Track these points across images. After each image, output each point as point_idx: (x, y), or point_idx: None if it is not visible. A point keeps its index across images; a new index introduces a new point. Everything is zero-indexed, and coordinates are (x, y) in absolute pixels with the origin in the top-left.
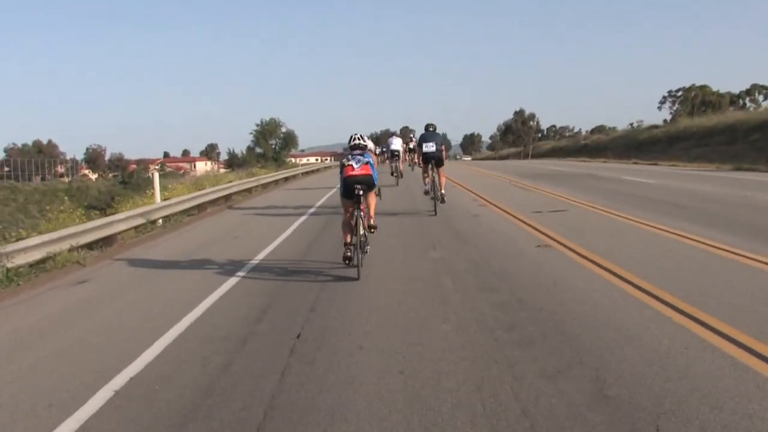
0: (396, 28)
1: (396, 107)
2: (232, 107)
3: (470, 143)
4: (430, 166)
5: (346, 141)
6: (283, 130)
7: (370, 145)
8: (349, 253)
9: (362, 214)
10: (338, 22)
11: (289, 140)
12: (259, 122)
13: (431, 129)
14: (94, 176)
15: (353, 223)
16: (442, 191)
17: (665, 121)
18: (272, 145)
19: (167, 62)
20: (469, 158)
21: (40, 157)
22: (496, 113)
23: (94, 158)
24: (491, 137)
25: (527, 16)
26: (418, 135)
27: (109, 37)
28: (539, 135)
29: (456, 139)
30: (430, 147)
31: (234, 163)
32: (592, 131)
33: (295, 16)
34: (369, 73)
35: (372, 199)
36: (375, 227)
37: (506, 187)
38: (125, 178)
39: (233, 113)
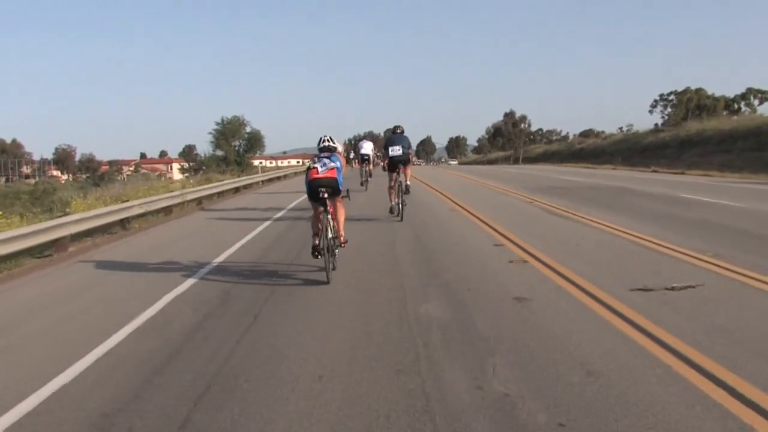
0: (381, 29)
1: (379, 109)
2: (213, 107)
3: (455, 146)
4: (397, 172)
5: (342, 142)
6: (248, 130)
7: (339, 147)
8: (317, 242)
9: (330, 217)
10: (323, 21)
11: (254, 141)
12: (219, 121)
13: (399, 131)
14: (64, 177)
15: (323, 223)
16: (408, 182)
17: (656, 125)
18: (235, 147)
19: (145, 59)
20: (455, 162)
21: (3, 157)
22: (480, 116)
23: (63, 159)
24: (479, 140)
25: (509, 18)
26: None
27: (82, 30)
28: (530, 138)
29: (441, 142)
30: (396, 150)
31: (192, 167)
32: (581, 135)
33: (282, 12)
34: (353, 76)
35: (341, 209)
36: (345, 241)
37: (528, 211)
38: (96, 180)
39: (214, 113)
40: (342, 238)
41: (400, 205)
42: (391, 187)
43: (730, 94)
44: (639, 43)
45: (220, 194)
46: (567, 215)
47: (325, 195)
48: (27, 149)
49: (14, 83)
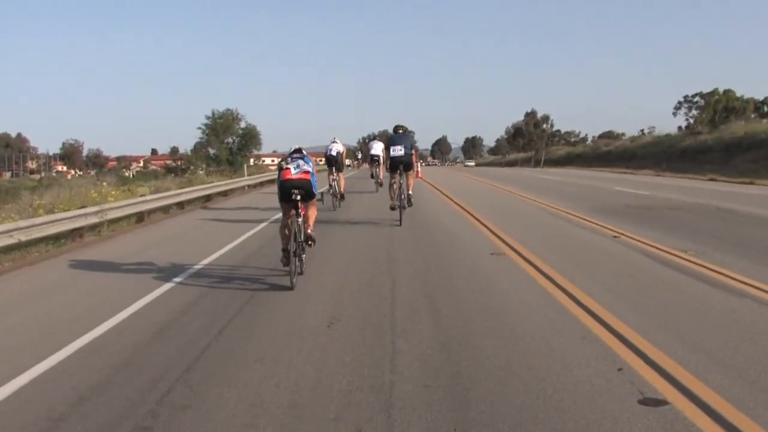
0: (395, 28)
1: (393, 108)
2: (227, 103)
3: (471, 147)
4: (398, 173)
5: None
6: (242, 125)
7: (339, 147)
8: (287, 247)
9: (300, 220)
10: (337, 19)
11: (249, 138)
12: (210, 114)
13: (400, 131)
14: (72, 173)
15: (292, 228)
16: (410, 192)
17: (680, 128)
18: (227, 144)
19: (156, 53)
20: (472, 163)
21: (7, 151)
22: (497, 116)
23: (70, 154)
24: (497, 140)
25: (524, 19)
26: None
27: (90, 25)
28: (551, 140)
29: (456, 142)
30: (398, 150)
31: (180, 167)
32: (600, 137)
33: (296, 8)
34: (366, 74)
35: (312, 211)
36: (313, 240)
37: (643, 270)
38: (101, 176)
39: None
40: (310, 230)
41: (400, 208)
42: (391, 186)
43: (759, 96)
44: (657, 44)
45: (179, 205)
46: (725, 282)
47: (298, 197)
48: (32, 144)
49: (21, 78)
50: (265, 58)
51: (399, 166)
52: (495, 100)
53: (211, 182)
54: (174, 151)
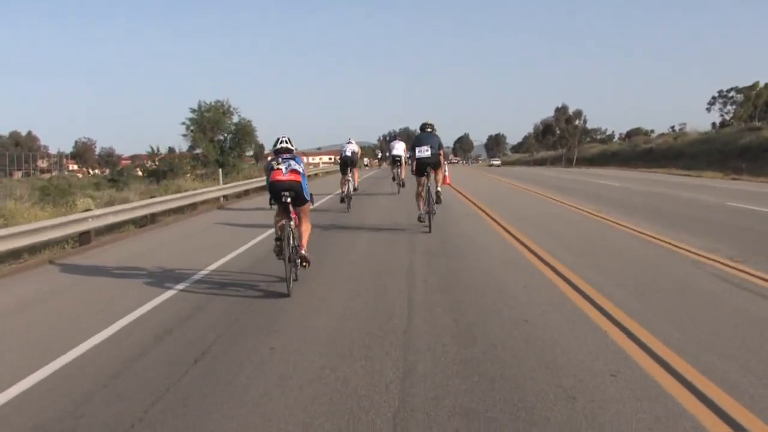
0: (419, 24)
1: (413, 105)
2: (243, 100)
3: (495, 144)
4: (426, 175)
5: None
6: (234, 120)
7: (355, 148)
8: (279, 242)
9: (293, 224)
10: (354, 12)
11: (243, 135)
12: (195, 107)
13: (428, 129)
14: (84, 172)
15: (285, 230)
16: (439, 188)
17: (714, 124)
18: (218, 142)
19: (175, 50)
20: (498, 162)
21: (17, 150)
22: (520, 113)
23: (82, 152)
24: (525, 137)
25: (544, 15)
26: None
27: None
28: (587, 137)
29: (478, 139)
30: (424, 152)
31: (161, 169)
32: (628, 134)
33: (319, 4)
34: (387, 69)
35: (306, 222)
36: (308, 262)
37: None
38: (114, 175)
39: (247, 106)
40: (304, 252)
41: (429, 214)
42: (419, 194)
43: None
44: (683, 39)
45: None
46: None
47: (288, 200)
48: (43, 142)
49: (31, 76)
50: (277, 53)
51: (426, 168)
52: (517, 97)
53: (158, 195)
54: (171, 150)
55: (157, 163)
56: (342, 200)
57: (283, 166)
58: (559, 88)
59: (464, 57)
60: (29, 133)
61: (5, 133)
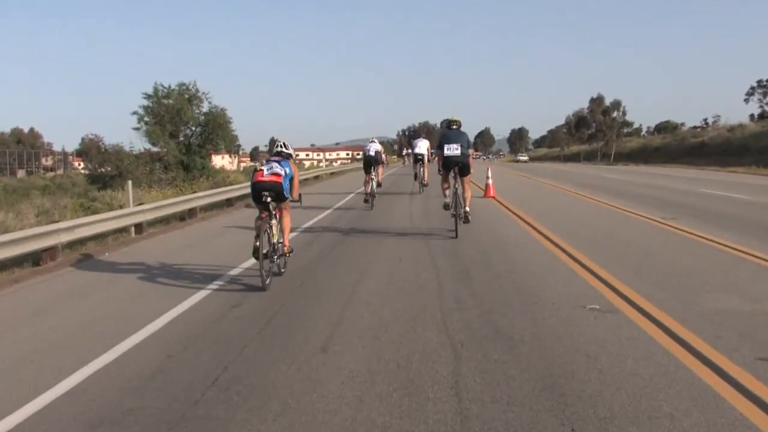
0: (438, 18)
1: (433, 99)
2: (264, 96)
3: (518, 139)
4: (452, 173)
5: (395, 133)
6: (204, 108)
7: (378, 147)
8: (257, 243)
9: (273, 222)
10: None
11: (214, 128)
12: (151, 92)
13: (455, 126)
14: (91, 170)
15: (263, 227)
16: (467, 208)
17: (752, 116)
18: (183, 138)
19: (186, 46)
20: (525, 157)
21: (18, 147)
22: (541, 107)
23: (88, 150)
24: (549, 131)
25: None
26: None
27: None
28: (626, 131)
29: (499, 134)
30: (453, 150)
31: (109, 173)
32: (656, 128)
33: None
34: (408, 65)
35: (286, 216)
36: (290, 251)
37: None
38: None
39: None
40: (287, 248)
41: (456, 218)
42: (445, 181)
43: None
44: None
45: None
46: None
47: (268, 199)
48: (47, 139)
49: (37, 72)
50: (297, 50)
51: (455, 167)
52: (538, 91)
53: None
54: (115, 147)
55: (98, 165)
56: (366, 200)
57: (265, 168)
58: (581, 82)
59: (484, 51)
60: (32, 130)
61: (6, 129)
